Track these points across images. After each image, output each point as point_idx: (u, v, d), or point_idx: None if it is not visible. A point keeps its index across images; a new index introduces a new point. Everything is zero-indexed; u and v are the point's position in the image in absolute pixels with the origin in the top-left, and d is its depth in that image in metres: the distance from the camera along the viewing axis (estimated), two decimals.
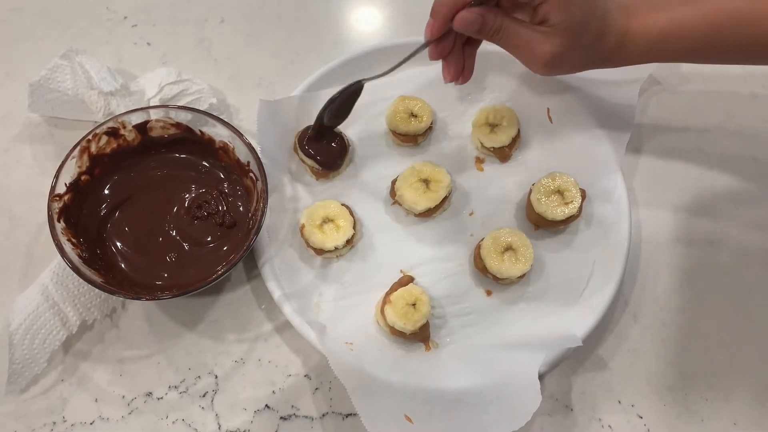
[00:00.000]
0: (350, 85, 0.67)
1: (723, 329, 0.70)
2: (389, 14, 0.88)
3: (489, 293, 0.70)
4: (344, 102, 0.68)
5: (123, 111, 0.71)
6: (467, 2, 0.58)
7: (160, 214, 0.70)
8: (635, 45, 0.61)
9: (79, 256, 0.64)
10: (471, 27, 0.58)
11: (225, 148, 0.70)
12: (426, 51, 0.62)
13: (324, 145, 0.73)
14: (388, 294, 0.67)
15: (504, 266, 0.67)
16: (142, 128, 0.70)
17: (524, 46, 0.59)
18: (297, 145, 0.73)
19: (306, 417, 0.65)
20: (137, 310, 0.69)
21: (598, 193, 0.73)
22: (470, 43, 0.65)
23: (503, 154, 0.75)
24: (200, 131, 0.70)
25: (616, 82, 0.76)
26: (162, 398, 0.66)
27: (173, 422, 0.65)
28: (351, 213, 0.71)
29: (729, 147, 0.79)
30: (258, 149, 0.68)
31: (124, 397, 0.66)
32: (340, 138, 0.73)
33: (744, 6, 0.59)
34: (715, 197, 0.76)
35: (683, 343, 0.69)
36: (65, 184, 0.66)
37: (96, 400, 0.66)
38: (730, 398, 0.67)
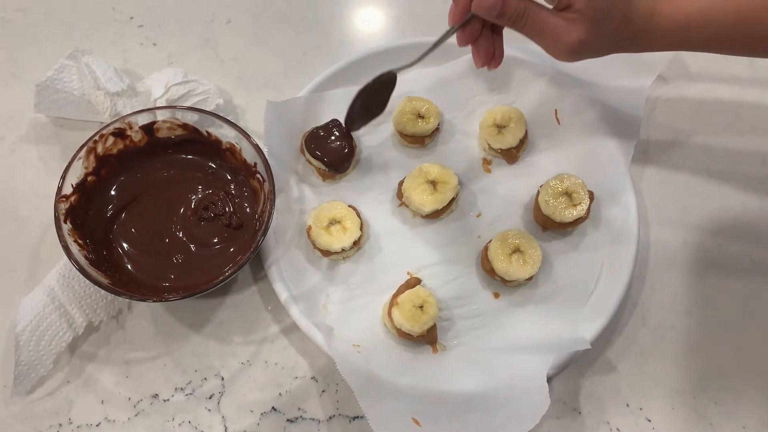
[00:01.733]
0: (381, 76, 0.64)
1: (732, 332, 0.69)
2: (396, 14, 0.88)
3: (497, 295, 0.70)
4: (378, 94, 0.66)
5: (129, 111, 0.71)
6: None
7: (166, 215, 0.70)
8: (660, 30, 0.59)
9: (86, 258, 0.64)
10: (491, 11, 0.56)
11: (232, 149, 0.70)
12: (449, 44, 0.61)
13: (331, 147, 0.72)
14: (395, 296, 0.66)
15: (512, 268, 0.67)
16: (148, 129, 0.70)
17: (549, 34, 0.57)
18: (304, 147, 0.73)
19: (313, 419, 0.65)
20: (143, 311, 0.69)
21: (606, 194, 0.73)
22: (499, 27, 0.63)
23: (511, 155, 0.75)
24: (207, 132, 0.70)
25: (624, 83, 0.76)
26: (168, 400, 0.66)
27: (179, 424, 0.65)
28: (358, 214, 0.70)
29: (737, 148, 0.79)
30: (265, 150, 0.68)
31: (130, 398, 0.66)
32: (348, 139, 0.73)
33: None
34: (724, 199, 0.76)
35: (692, 346, 0.69)
36: (72, 185, 0.66)
37: (102, 402, 0.65)
38: (740, 401, 0.66)
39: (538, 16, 0.57)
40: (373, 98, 0.66)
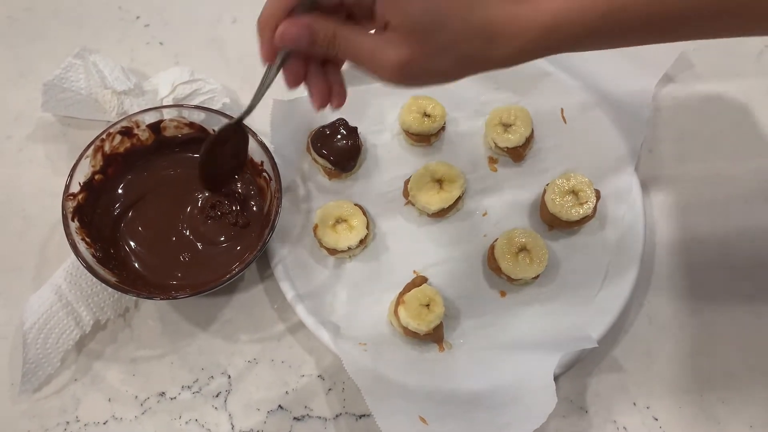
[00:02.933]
0: (222, 130, 0.60)
1: (739, 331, 0.69)
2: None
3: (503, 294, 0.70)
4: (232, 147, 0.62)
5: (136, 110, 0.71)
6: (284, 14, 0.48)
7: (173, 213, 0.70)
8: (524, 37, 0.48)
9: (93, 256, 0.64)
10: (298, 41, 0.48)
11: None
12: None
13: (337, 145, 0.72)
14: (401, 294, 0.66)
15: (518, 267, 0.67)
16: (155, 128, 0.70)
17: (364, 57, 0.48)
18: (310, 145, 0.73)
19: (319, 417, 0.65)
20: (150, 309, 0.69)
21: (613, 193, 0.73)
22: (331, 61, 0.54)
23: (517, 154, 0.75)
24: (213, 131, 0.70)
25: (630, 82, 0.76)
26: (175, 398, 0.66)
27: (186, 422, 0.65)
28: (364, 213, 0.70)
29: (744, 146, 0.78)
30: (271, 149, 0.68)
31: (137, 397, 0.66)
32: (354, 138, 0.73)
33: None
34: (731, 197, 0.76)
35: (699, 345, 0.69)
36: (79, 183, 0.66)
37: (109, 400, 0.66)
38: (747, 400, 0.66)
39: (350, 38, 0.48)
40: (227, 153, 0.62)
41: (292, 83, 0.52)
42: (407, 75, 0.48)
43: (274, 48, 0.50)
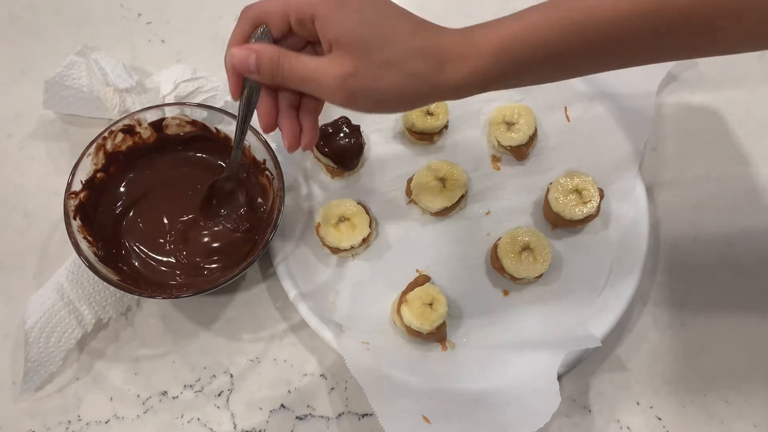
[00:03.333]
0: (215, 183, 0.66)
1: (743, 330, 0.69)
2: None
3: (506, 293, 0.70)
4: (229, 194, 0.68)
5: (138, 108, 0.71)
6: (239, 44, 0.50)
7: (176, 211, 0.69)
8: (475, 60, 0.48)
9: (95, 254, 0.64)
10: (245, 65, 0.49)
11: None
12: None
13: (339, 144, 0.72)
14: (404, 293, 0.66)
15: (521, 266, 0.67)
16: (157, 126, 0.70)
17: (311, 76, 0.48)
18: None
19: (322, 417, 0.65)
20: (152, 308, 0.69)
21: (616, 192, 0.72)
22: (305, 102, 0.54)
23: (520, 152, 0.75)
24: (216, 129, 0.70)
25: (633, 80, 0.76)
26: (177, 397, 0.66)
27: (188, 421, 0.65)
28: (367, 211, 0.70)
29: (748, 146, 0.78)
30: (274, 147, 0.68)
31: (139, 396, 0.66)
32: (356, 136, 0.73)
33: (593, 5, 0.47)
34: (734, 197, 0.75)
35: (703, 344, 0.68)
36: (81, 182, 0.66)
37: (111, 399, 0.65)
38: (751, 400, 0.66)
39: (293, 61, 0.48)
40: (228, 199, 0.67)
41: (266, 125, 0.53)
42: (351, 91, 0.47)
43: (239, 83, 0.51)
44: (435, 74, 0.47)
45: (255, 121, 0.74)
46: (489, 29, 0.48)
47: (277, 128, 0.54)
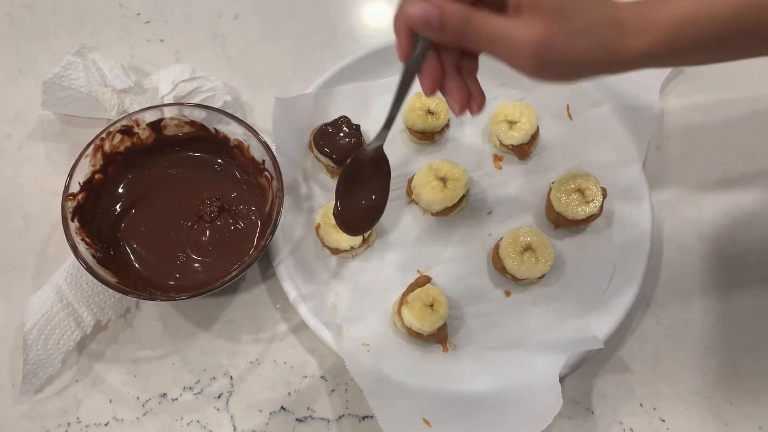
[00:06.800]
0: (359, 154, 0.58)
1: (747, 331, 0.68)
2: None
3: (508, 294, 0.69)
4: (368, 179, 0.60)
5: (137, 109, 0.70)
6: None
7: (174, 213, 0.69)
8: (653, 33, 0.47)
9: (93, 256, 0.63)
10: (427, 23, 0.45)
11: (240, 147, 0.69)
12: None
13: (340, 143, 0.72)
14: (404, 294, 0.66)
15: (523, 266, 0.66)
16: (156, 126, 0.69)
17: (502, 39, 0.46)
18: (312, 143, 0.72)
19: (322, 419, 0.65)
20: (151, 310, 0.69)
21: (620, 191, 0.72)
22: (466, 64, 0.52)
23: (522, 151, 0.74)
24: (215, 129, 0.69)
25: (637, 78, 0.75)
26: (177, 399, 0.65)
27: (188, 423, 0.64)
28: None
29: (753, 143, 0.77)
30: (273, 147, 0.68)
31: (138, 398, 0.65)
32: (357, 136, 0.72)
33: None
34: (739, 195, 0.75)
35: (706, 345, 0.68)
36: (79, 183, 0.65)
37: (110, 401, 0.65)
38: (755, 402, 0.65)
39: (485, 22, 0.46)
40: (362, 186, 0.59)
41: (430, 87, 0.50)
42: (542, 56, 0.45)
43: (409, 40, 0.48)
44: (617, 43, 0.47)
45: (253, 122, 0.74)
46: (664, 3, 0.47)
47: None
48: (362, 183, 0.61)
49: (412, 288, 0.66)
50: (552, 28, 0.45)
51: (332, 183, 0.74)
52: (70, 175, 0.64)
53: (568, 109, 0.76)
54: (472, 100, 0.52)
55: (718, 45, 0.49)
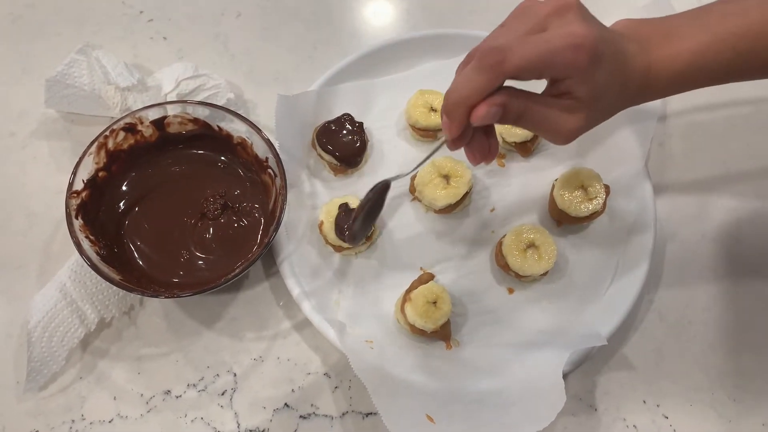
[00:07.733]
0: (376, 186, 0.61)
1: (750, 328, 0.68)
2: (406, 6, 0.87)
3: (511, 291, 0.69)
4: (376, 203, 0.62)
5: (140, 106, 0.70)
6: (481, 97, 0.49)
7: (178, 210, 0.69)
8: (658, 84, 0.55)
9: (97, 254, 0.63)
10: (492, 119, 0.50)
11: (243, 144, 0.69)
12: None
13: (343, 141, 0.72)
14: (408, 292, 0.66)
15: (526, 264, 0.66)
16: (159, 124, 0.69)
17: (547, 127, 0.53)
18: (315, 141, 0.73)
19: (326, 416, 0.65)
20: (155, 307, 0.69)
21: (623, 188, 0.72)
22: (490, 126, 0.57)
23: (525, 148, 0.74)
24: (218, 127, 0.69)
25: None
26: (180, 396, 0.65)
27: (192, 421, 0.64)
28: None
29: (756, 142, 0.77)
30: (276, 145, 0.68)
31: (142, 395, 0.65)
32: (360, 133, 0.72)
33: (760, 19, 0.53)
34: (742, 193, 0.75)
35: (710, 343, 0.68)
36: (83, 181, 0.65)
37: (114, 398, 0.65)
38: (759, 399, 0.65)
39: (536, 111, 0.51)
40: (371, 208, 0.63)
41: (457, 147, 0.55)
42: (575, 137, 0.53)
43: (461, 127, 0.51)
44: (630, 101, 0.56)
45: (256, 119, 0.74)
46: (668, 51, 0.54)
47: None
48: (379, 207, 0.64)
49: (415, 285, 0.66)
50: (588, 117, 0.52)
51: (335, 180, 0.74)
52: (74, 173, 0.64)
53: None
54: (489, 154, 0.56)
55: (724, 80, 0.57)
